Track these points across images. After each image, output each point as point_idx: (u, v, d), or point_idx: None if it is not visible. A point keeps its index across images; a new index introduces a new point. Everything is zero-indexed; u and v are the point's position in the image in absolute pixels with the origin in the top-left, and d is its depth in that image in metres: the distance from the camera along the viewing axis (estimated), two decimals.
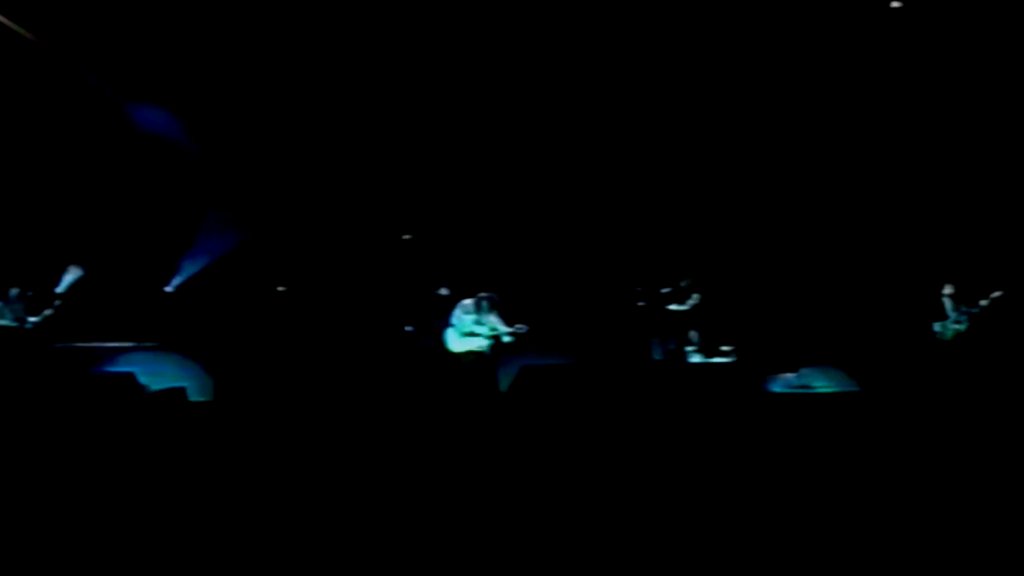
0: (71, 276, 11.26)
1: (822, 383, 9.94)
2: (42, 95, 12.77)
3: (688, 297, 12.76)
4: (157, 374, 8.86)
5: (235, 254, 13.59)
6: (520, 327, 11.46)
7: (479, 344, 11.55)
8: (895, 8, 13.09)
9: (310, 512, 5.17)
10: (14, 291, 10.97)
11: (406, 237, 14.31)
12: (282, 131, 13.68)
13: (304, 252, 14.00)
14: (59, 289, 11.18)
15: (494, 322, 11.55)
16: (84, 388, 7.95)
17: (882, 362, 10.66)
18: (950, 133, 13.43)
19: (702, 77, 13.60)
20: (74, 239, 12.23)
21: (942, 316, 12.10)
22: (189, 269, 13.36)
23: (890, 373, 10.25)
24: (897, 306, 12.75)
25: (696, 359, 12.16)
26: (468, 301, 11.63)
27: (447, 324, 11.71)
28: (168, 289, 13.17)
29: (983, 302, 11.91)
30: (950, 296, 12.01)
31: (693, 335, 12.36)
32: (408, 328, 12.81)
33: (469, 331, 11.58)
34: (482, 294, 11.63)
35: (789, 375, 10.16)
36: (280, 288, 13.94)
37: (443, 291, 12.58)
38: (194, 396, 9.19)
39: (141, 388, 8.29)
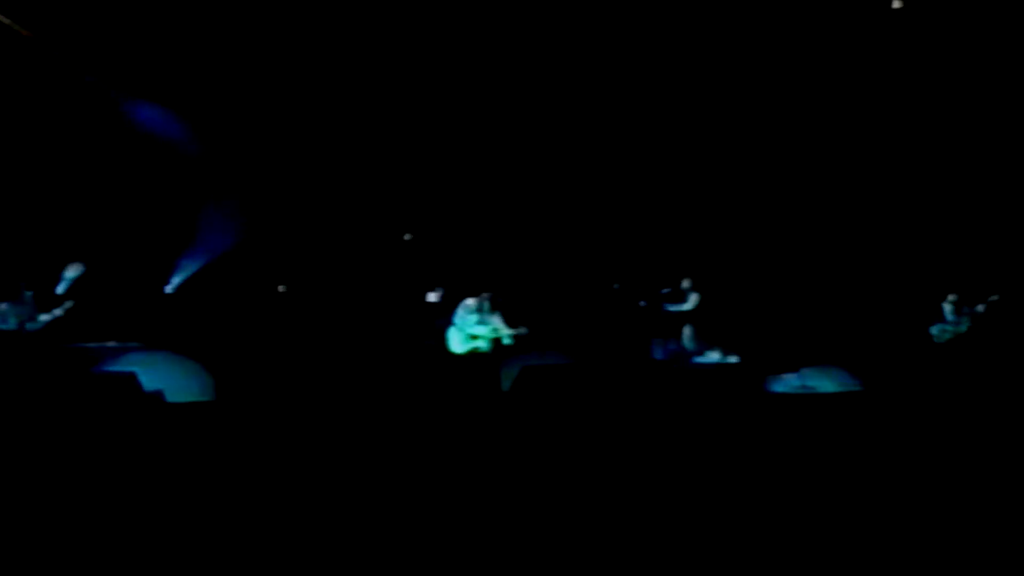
0: (72, 273, 11.23)
1: (824, 383, 9.94)
2: (41, 94, 12.75)
3: (688, 297, 12.75)
4: (157, 374, 8.85)
5: (235, 254, 13.57)
6: (521, 329, 11.45)
7: (481, 344, 11.53)
8: (896, 9, 13.09)
9: (311, 511, 5.16)
10: (28, 293, 10.87)
11: (407, 237, 14.30)
12: (282, 130, 13.66)
13: (304, 252, 13.99)
14: (60, 288, 11.15)
15: (496, 323, 11.54)
16: (84, 388, 7.95)
17: (883, 362, 10.69)
18: (950, 135, 13.44)
19: (703, 78, 13.60)
20: (74, 239, 12.20)
21: (940, 319, 12.17)
22: (188, 268, 13.33)
23: (890, 373, 10.27)
24: (897, 307, 12.76)
25: (699, 360, 12.14)
26: (471, 301, 11.61)
27: (449, 324, 11.69)
28: (168, 290, 13.15)
29: (980, 307, 12.02)
30: (952, 303, 12.10)
31: (691, 334, 12.34)
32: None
33: (472, 331, 11.55)
34: (485, 294, 11.62)
35: (791, 375, 10.16)
36: (280, 288, 13.92)
37: (432, 296, 12.57)
38: (194, 396, 9.18)
39: (141, 388, 8.29)
